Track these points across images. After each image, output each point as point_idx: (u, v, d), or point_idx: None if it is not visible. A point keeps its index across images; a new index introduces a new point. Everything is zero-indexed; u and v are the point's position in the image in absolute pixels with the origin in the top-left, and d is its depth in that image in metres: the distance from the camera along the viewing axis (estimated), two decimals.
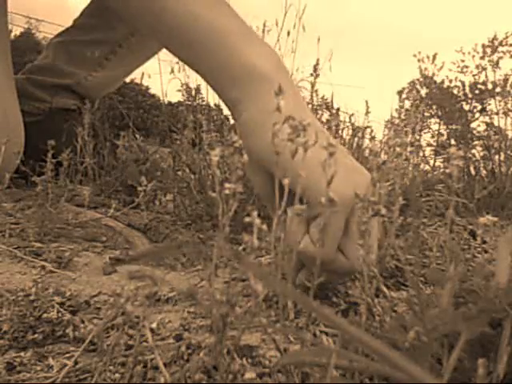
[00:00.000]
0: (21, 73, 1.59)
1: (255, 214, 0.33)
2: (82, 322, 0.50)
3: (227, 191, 0.34)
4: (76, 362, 0.42)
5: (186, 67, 1.45)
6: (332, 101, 1.38)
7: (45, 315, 0.49)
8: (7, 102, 1.27)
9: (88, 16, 1.59)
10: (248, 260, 0.30)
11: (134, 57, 1.61)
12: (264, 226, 0.33)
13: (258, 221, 0.33)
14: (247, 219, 0.33)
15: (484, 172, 1.59)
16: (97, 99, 1.66)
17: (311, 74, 1.28)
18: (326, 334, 0.49)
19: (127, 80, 2.17)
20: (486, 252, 0.72)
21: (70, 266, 0.72)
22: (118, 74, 1.70)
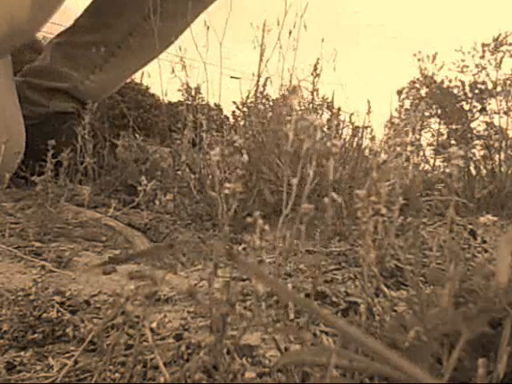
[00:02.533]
0: (19, 74, 1.59)
1: (258, 213, 0.33)
2: (82, 321, 0.50)
3: (227, 191, 0.34)
4: (76, 362, 0.42)
5: (187, 67, 1.45)
6: (332, 100, 1.38)
7: (45, 315, 0.49)
8: (7, 103, 1.28)
9: (87, 17, 1.58)
10: (244, 260, 0.30)
11: (133, 58, 1.60)
12: (266, 226, 0.33)
13: (260, 221, 0.33)
14: (249, 219, 0.33)
15: (484, 171, 1.58)
16: (95, 103, 1.65)
17: (311, 74, 1.28)
18: (326, 333, 0.49)
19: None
20: (486, 252, 0.72)
21: (70, 266, 0.72)
22: (116, 78, 1.68)
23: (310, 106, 1.33)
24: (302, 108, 1.34)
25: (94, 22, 1.55)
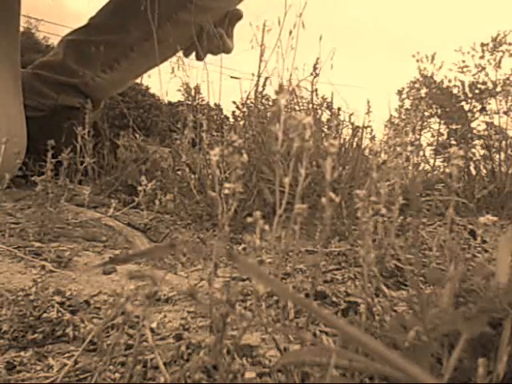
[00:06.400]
0: (30, 67, 1.60)
1: (258, 213, 0.33)
2: (82, 321, 0.50)
3: (227, 191, 0.34)
4: (76, 362, 0.42)
5: (186, 66, 1.45)
6: (332, 100, 1.38)
7: (45, 315, 0.49)
8: (12, 106, 1.29)
9: (104, 17, 1.60)
10: (244, 260, 0.30)
11: (144, 62, 1.62)
12: (266, 226, 0.33)
13: (260, 221, 0.33)
14: (249, 219, 0.33)
15: (484, 171, 1.58)
16: (102, 100, 1.67)
17: (311, 74, 1.28)
18: (326, 333, 0.49)
19: None
20: (486, 252, 0.72)
21: (70, 266, 0.72)
22: (125, 78, 1.70)
23: (310, 105, 1.33)
24: (302, 108, 1.34)
25: (111, 24, 1.57)
